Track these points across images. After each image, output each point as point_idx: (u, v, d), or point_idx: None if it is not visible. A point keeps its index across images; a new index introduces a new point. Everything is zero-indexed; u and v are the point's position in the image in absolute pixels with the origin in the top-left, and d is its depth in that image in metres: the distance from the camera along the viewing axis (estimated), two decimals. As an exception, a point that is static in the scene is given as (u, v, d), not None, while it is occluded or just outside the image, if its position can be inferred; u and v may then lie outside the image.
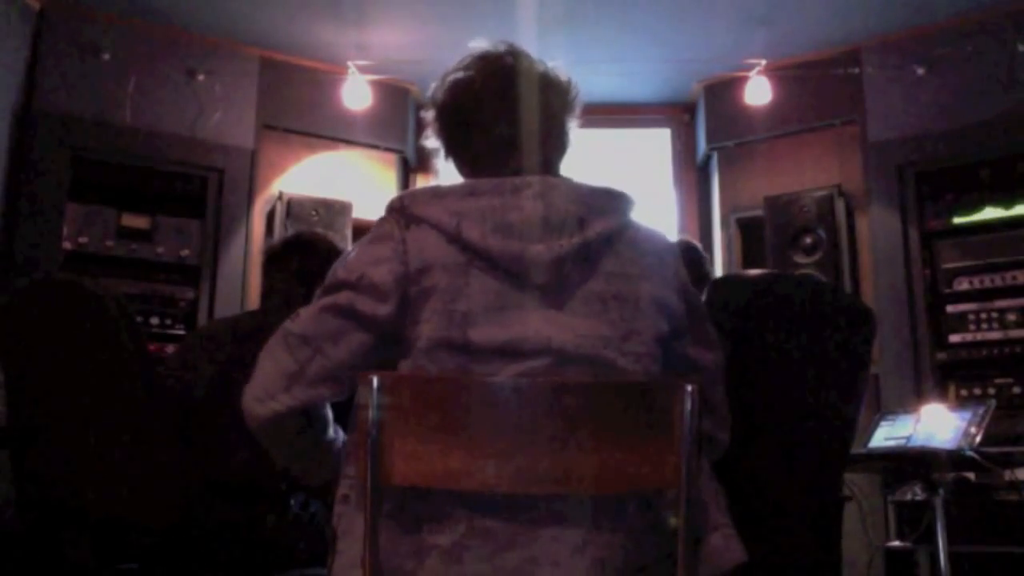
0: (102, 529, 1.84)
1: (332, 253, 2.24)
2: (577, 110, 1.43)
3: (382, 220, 1.28)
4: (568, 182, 1.31)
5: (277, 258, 2.23)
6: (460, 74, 1.37)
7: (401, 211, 1.26)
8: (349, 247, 3.86)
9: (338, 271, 1.26)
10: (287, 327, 1.25)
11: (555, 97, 1.39)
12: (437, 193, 1.26)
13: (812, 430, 2.02)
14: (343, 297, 1.23)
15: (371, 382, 1.10)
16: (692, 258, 2.88)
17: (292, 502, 1.95)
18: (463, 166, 1.38)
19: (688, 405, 1.14)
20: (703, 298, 1.77)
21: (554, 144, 1.39)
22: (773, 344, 1.86)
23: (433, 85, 1.41)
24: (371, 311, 1.21)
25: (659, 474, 1.15)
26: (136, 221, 3.89)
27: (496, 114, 1.33)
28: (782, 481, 1.90)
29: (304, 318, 1.24)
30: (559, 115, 1.39)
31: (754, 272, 2.10)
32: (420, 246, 1.21)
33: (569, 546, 1.15)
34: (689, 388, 1.14)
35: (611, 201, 1.31)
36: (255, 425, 1.25)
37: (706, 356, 1.38)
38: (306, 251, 2.22)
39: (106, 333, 1.78)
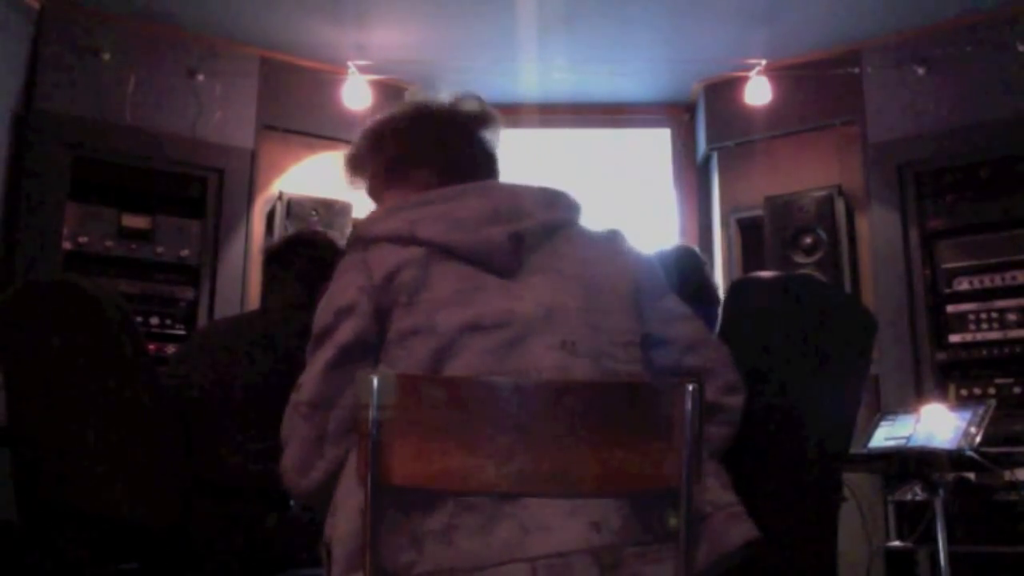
0: (101, 529, 1.83)
1: (333, 252, 2.24)
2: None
3: (344, 254, 1.35)
4: (507, 183, 1.42)
5: (278, 257, 2.23)
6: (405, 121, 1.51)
7: (358, 239, 1.33)
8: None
9: (319, 317, 1.30)
10: (295, 399, 1.28)
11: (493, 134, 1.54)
12: (390, 210, 1.33)
13: (819, 431, 2.05)
14: (329, 350, 1.26)
15: (371, 382, 1.10)
16: (693, 264, 2.89)
17: (292, 503, 1.94)
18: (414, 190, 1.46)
19: (689, 405, 1.13)
20: (724, 299, 1.85)
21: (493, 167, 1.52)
22: (785, 345, 1.89)
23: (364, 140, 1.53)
24: (354, 334, 1.25)
25: (660, 475, 1.14)
26: (136, 221, 3.89)
27: (446, 152, 1.47)
28: (784, 481, 1.91)
29: (307, 385, 1.27)
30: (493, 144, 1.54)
31: (768, 274, 2.15)
32: (382, 258, 1.27)
33: (560, 511, 1.14)
34: (690, 388, 1.14)
35: (553, 197, 1.40)
36: (303, 495, 1.29)
37: (671, 330, 1.40)
38: (307, 250, 2.22)
39: (105, 334, 1.78)
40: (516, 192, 1.37)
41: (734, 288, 1.96)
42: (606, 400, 1.16)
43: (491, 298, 1.25)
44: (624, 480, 1.15)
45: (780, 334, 1.90)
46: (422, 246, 1.26)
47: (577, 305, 1.28)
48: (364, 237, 1.31)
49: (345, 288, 1.27)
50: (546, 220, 1.34)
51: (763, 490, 1.79)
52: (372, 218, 1.34)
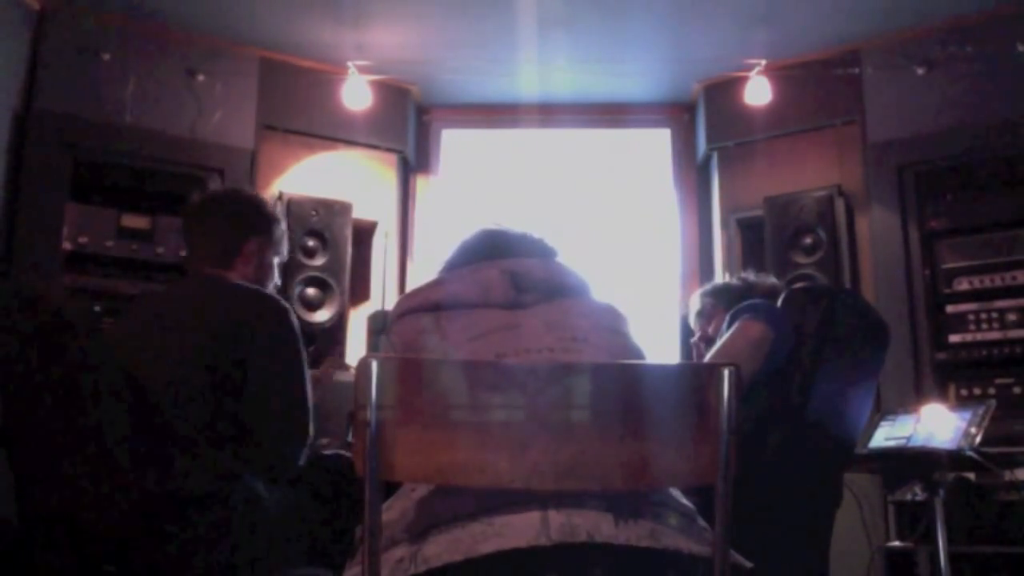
0: (85, 533, 1.80)
1: (254, 205, 2.27)
2: None
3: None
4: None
5: (198, 213, 2.20)
6: None
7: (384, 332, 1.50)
8: (348, 246, 3.88)
9: None
10: None
11: None
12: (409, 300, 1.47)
13: (841, 435, 2.10)
14: None
15: (369, 366, 1.01)
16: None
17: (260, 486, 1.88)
18: None
19: (726, 390, 1.03)
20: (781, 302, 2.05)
21: None
22: (834, 355, 1.97)
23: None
24: None
25: (696, 467, 1.05)
26: (136, 221, 3.88)
27: None
28: (799, 482, 1.95)
29: None
30: None
31: (823, 285, 2.32)
32: (401, 334, 1.38)
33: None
34: (727, 372, 1.03)
35: (557, 268, 1.51)
36: None
37: None
38: (227, 206, 2.23)
39: (53, 335, 1.74)
40: (521, 262, 1.46)
41: (792, 296, 2.05)
42: (632, 383, 1.05)
43: (496, 335, 1.32)
44: (653, 474, 1.05)
45: (830, 343, 1.98)
46: (431, 310, 1.37)
47: (570, 336, 1.34)
48: (388, 329, 1.44)
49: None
50: (547, 279, 1.42)
51: (783, 489, 1.84)
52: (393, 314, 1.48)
